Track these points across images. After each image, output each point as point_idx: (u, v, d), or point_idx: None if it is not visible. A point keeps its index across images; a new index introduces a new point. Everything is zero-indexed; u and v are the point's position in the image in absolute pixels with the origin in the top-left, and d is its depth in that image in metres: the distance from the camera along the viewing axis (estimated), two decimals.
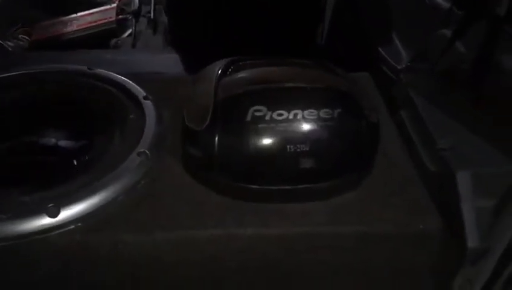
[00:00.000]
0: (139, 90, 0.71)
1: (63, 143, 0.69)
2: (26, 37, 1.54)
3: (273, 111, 0.57)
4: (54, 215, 0.56)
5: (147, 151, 0.63)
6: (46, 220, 0.56)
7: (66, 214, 0.56)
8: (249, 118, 0.57)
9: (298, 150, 0.58)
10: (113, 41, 1.53)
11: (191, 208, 0.59)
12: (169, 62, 1.20)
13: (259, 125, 0.57)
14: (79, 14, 1.59)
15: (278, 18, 1.41)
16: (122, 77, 0.74)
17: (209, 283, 0.60)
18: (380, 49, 1.07)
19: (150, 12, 1.58)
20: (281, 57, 0.67)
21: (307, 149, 0.58)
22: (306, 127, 0.58)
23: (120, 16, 1.57)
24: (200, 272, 0.59)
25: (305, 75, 0.64)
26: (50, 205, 0.56)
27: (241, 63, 0.65)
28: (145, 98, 0.70)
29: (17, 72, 0.76)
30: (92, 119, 0.70)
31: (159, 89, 0.73)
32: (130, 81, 0.73)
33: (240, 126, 0.57)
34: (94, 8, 1.63)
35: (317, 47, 1.45)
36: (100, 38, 1.54)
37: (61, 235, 0.56)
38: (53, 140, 0.68)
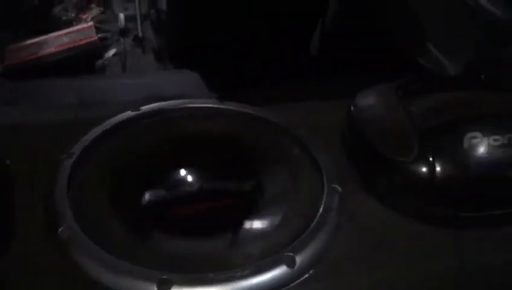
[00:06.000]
0: (284, 121, 0.69)
1: (230, 185, 0.64)
2: None
3: (488, 137, 0.60)
4: (292, 265, 0.53)
5: (338, 187, 0.61)
6: (284, 271, 0.52)
7: (300, 261, 0.53)
8: (466, 145, 0.59)
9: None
10: (99, 62, 1.43)
11: (410, 242, 0.58)
12: (188, 83, 1.12)
13: (477, 153, 0.59)
14: (53, 34, 1.45)
15: (276, 27, 1.41)
16: (255, 108, 0.71)
17: None
18: (419, 59, 1.13)
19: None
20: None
21: None
22: None
23: (100, 35, 1.47)
24: None
25: (491, 100, 0.67)
26: (286, 253, 0.53)
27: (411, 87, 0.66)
28: (294, 129, 0.68)
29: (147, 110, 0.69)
30: (252, 157, 0.66)
31: (295, 119, 0.70)
32: (266, 112, 0.70)
33: (459, 154, 0.59)
34: (59, 27, 1.51)
35: (310, 57, 1.48)
36: (83, 60, 1.42)
37: (300, 286, 0.53)
38: (227, 183, 0.63)
